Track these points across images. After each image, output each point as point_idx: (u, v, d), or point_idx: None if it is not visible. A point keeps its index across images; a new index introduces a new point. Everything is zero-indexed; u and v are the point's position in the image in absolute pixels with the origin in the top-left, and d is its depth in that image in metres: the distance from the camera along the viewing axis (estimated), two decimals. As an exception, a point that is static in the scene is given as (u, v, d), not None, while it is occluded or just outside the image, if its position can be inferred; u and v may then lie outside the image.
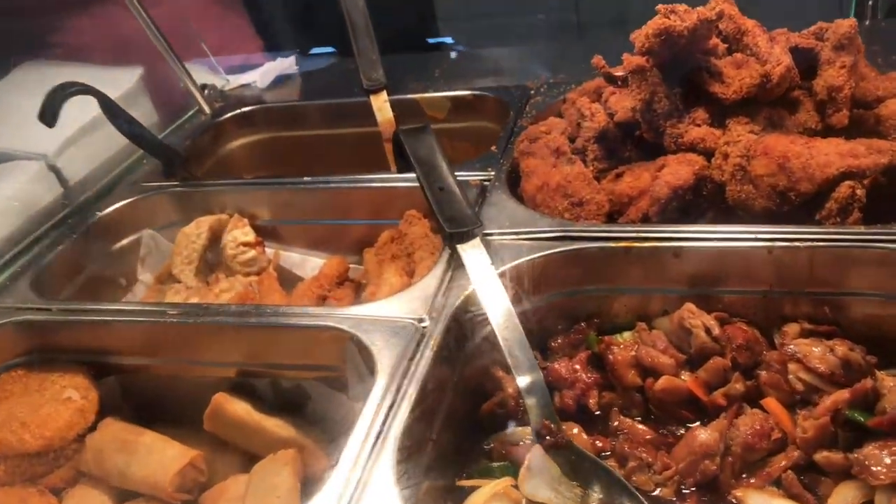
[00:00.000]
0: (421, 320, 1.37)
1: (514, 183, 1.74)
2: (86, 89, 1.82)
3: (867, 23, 2.31)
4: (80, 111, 2.01)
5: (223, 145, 2.39)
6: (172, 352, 1.54)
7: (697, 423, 1.33)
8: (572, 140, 1.74)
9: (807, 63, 1.58)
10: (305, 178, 1.93)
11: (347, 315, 1.42)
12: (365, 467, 1.11)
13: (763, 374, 1.33)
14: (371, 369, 1.29)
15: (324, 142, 2.36)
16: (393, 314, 1.39)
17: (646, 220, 1.53)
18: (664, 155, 1.59)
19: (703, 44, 1.59)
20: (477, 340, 1.42)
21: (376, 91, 2.01)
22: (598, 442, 1.34)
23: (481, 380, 1.42)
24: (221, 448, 1.47)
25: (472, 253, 1.43)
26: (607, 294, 1.49)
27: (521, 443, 1.34)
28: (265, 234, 1.97)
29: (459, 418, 1.37)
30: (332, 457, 1.18)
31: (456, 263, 1.47)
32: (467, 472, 1.34)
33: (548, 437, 1.27)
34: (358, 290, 1.81)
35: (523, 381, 1.30)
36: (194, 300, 1.82)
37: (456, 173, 1.56)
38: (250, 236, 1.92)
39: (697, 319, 1.36)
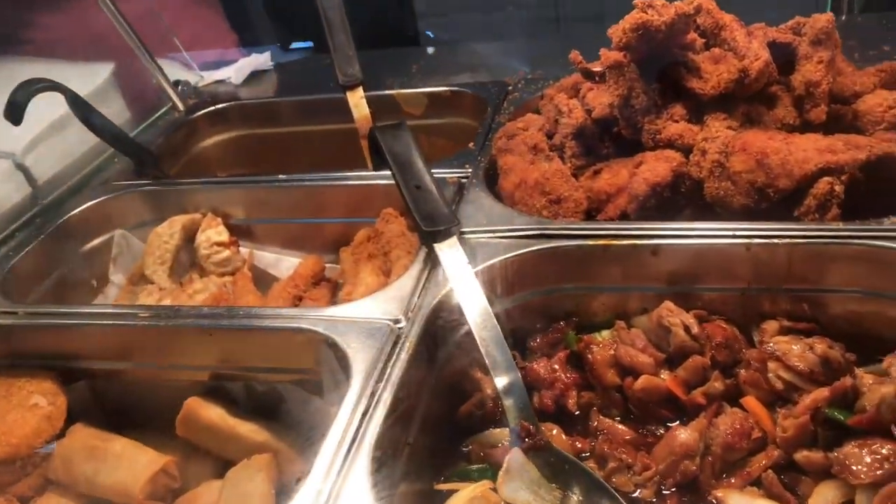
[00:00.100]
0: (397, 321, 1.35)
1: (491, 180, 1.72)
2: (52, 86, 1.78)
3: (843, 18, 2.31)
4: (48, 108, 1.96)
5: (197, 143, 2.36)
6: (144, 355, 1.51)
7: (677, 423, 1.32)
8: (550, 136, 1.73)
9: (784, 58, 1.57)
10: (280, 176, 1.90)
11: (322, 316, 1.39)
12: (339, 475, 1.08)
13: (742, 372, 1.32)
14: (346, 372, 1.27)
15: (299, 139, 2.34)
16: (368, 315, 1.37)
17: (624, 217, 1.52)
18: (642, 151, 1.58)
19: (680, 39, 1.57)
20: (454, 341, 1.40)
21: (352, 87, 1.98)
22: (577, 443, 1.33)
23: (459, 381, 1.40)
24: (194, 453, 1.45)
25: (448, 252, 1.41)
26: (586, 292, 1.48)
27: (500, 444, 1.32)
28: (239, 233, 1.94)
29: (437, 420, 1.35)
30: (307, 462, 1.16)
31: (433, 262, 1.45)
32: (445, 475, 1.32)
33: (526, 439, 1.25)
34: (334, 290, 1.79)
35: (501, 381, 1.29)
36: (167, 301, 1.79)
37: (433, 171, 1.54)
38: (224, 236, 1.89)
39: (676, 318, 1.35)
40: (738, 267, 1.39)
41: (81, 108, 1.87)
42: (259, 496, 1.28)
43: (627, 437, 1.31)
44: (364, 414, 1.17)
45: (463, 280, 1.35)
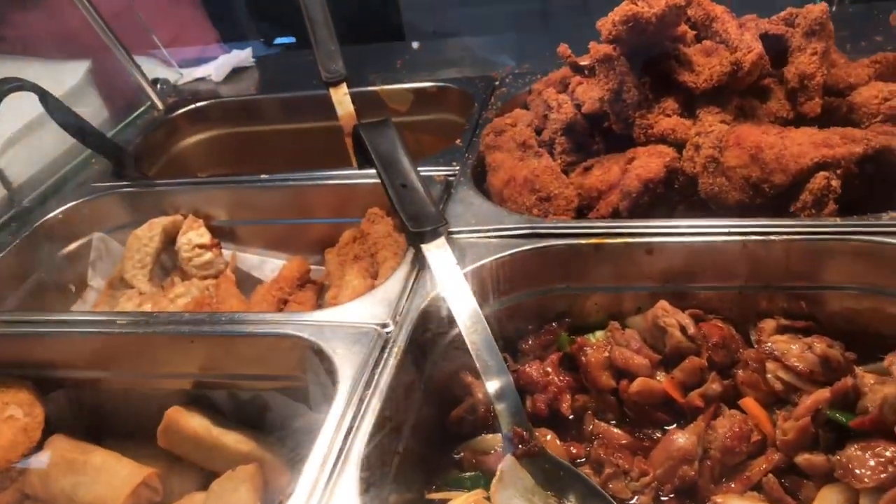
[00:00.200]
0: (384, 326, 1.31)
1: (479, 178, 1.69)
2: (25, 85, 1.73)
3: (834, 9, 2.27)
4: (22, 109, 1.92)
5: (176, 142, 2.31)
6: (123, 364, 1.47)
7: (674, 426, 1.29)
8: (539, 132, 1.69)
9: (777, 50, 1.54)
10: (263, 176, 1.86)
11: (307, 322, 1.35)
12: (326, 489, 1.05)
13: (740, 373, 1.29)
14: (332, 379, 1.23)
15: (282, 137, 2.30)
16: (355, 320, 1.33)
17: (616, 214, 1.49)
18: (634, 147, 1.55)
19: (671, 31, 1.54)
20: (443, 345, 1.36)
21: (336, 83, 1.93)
22: (572, 448, 1.29)
23: (449, 386, 1.37)
24: (177, 465, 1.41)
25: (436, 253, 1.37)
26: (578, 292, 1.45)
27: (493, 451, 1.29)
28: (222, 235, 1.90)
29: (427, 427, 1.32)
30: (293, 473, 1.12)
31: (421, 264, 1.42)
32: (437, 483, 1.28)
33: (520, 446, 1.21)
34: (320, 293, 1.75)
35: (493, 385, 1.25)
36: (148, 306, 1.75)
37: (419, 169, 1.50)
38: (206, 238, 1.85)
39: (672, 318, 1.32)
40: (734, 264, 1.36)
41: (56, 108, 1.82)
42: (244, 508, 1.25)
43: (623, 442, 1.28)
44: (351, 424, 1.13)
45: (452, 282, 1.32)
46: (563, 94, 1.72)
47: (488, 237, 1.45)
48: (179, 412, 1.37)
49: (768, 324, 1.34)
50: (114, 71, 2.31)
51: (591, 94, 1.63)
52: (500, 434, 1.25)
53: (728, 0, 1.62)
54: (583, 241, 1.40)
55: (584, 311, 1.45)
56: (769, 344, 1.29)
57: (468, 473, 1.28)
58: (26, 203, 1.92)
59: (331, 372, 1.25)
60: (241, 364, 1.40)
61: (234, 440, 1.37)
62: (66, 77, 2.20)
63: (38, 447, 1.40)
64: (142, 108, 2.34)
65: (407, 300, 1.36)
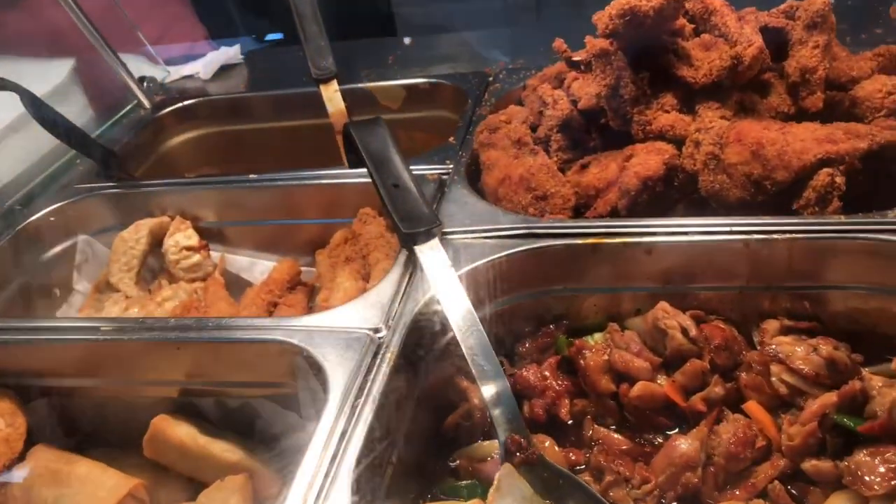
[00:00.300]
0: (377, 330, 1.27)
1: (474, 176, 1.66)
2: (5, 85, 1.68)
3: (833, 0, 2.25)
4: (4, 109, 1.90)
5: (163, 142, 2.28)
6: (108, 371, 1.42)
7: (676, 431, 1.26)
8: (534, 129, 1.67)
9: (777, 43, 1.51)
10: (252, 176, 1.82)
11: (297, 327, 1.31)
12: (317, 502, 1.00)
13: (743, 375, 1.26)
14: (324, 387, 1.19)
15: (271, 136, 2.27)
16: (346, 324, 1.30)
17: (614, 213, 1.46)
18: (632, 144, 1.52)
19: (669, 24, 1.51)
20: (438, 349, 1.33)
21: (326, 80, 1.90)
22: (571, 455, 1.26)
23: (444, 391, 1.34)
24: (164, 475, 1.37)
25: (430, 254, 1.34)
26: (576, 294, 1.42)
27: (489, 458, 1.26)
28: (210, 236, 1.86)
29: (421, 434, 1.28)
30: (284, 484, 1.08)
31: (414, 266, 1.38)
32: (432, 492, 1.25)
33: (517, 453, 1.18)
34: (311, 295, 1.71)
35: (489, 390, 1.21)
36: (135, 310, 1.71)
37: (412, 167, 1.47)
38: (193, 239, 1.82)
39: (673, 320, 1.29)
40: (736, 264, 1.33)
41: (39, 108, 1.77)
42: (234, 520, 1.21)
43: (624, 448, 1.25)
44: (343, 434, 1.09)
45: (446, 284, 1.29)
46: (559, 90, 1.69)
47: (483, 238, 1.42)
48: (166, 421, 1.33)
49: (771, 325, 1.31)
50: (99, 69, 2.27)
51: (587, 89, 1.60)
52: (496, 440, 1.21)
53: (727, -7, 1.58)
54: (580, 241, 1.37)
55: (583, 312, 1.42)
56: (773, 346, 1.25)
57: (464, 482, 1.25)
58: (9, 205, 1.88)
59: (322, 379, 1.21)
60: (229, 371, 1.36)
61: (222, 449, 1.33)
62: (50, 76, 2.17)
63: (21, 458, 1.36)
64: (128, 107, 2.31)
65: (400, 304, 1.32)
